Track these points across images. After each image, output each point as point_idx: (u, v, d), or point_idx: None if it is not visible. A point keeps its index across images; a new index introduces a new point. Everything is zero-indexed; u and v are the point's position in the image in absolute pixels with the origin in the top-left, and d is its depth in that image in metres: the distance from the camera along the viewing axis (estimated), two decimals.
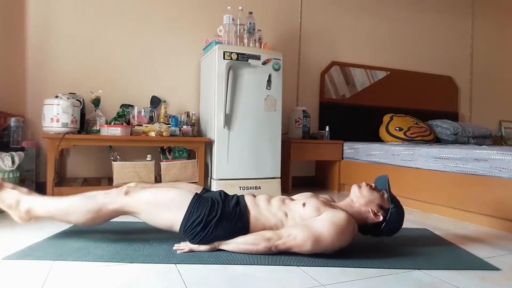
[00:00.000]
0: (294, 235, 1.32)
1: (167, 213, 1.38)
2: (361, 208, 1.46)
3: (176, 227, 1.37)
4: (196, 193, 1.44)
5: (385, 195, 1.48)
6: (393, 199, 1.47)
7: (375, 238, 1.61)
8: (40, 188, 2.43)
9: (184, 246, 1.40)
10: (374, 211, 1.44)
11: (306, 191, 1.68)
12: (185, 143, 2.54)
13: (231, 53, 2.53)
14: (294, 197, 1.60)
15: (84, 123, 2.48)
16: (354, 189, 1.51)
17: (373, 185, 1.52)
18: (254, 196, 1.53)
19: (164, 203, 1.39)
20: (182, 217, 1.36)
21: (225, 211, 1.39)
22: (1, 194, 1.42)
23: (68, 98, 2.25)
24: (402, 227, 1.95)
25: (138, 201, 1.39)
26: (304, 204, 1.43)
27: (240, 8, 2.70)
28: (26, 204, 1.41)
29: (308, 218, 1.38)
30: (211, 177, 2.62)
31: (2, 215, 1.97)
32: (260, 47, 2.76)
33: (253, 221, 1.40)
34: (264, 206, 1.45)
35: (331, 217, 1.33)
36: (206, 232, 1.35)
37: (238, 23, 2.68)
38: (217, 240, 1.39)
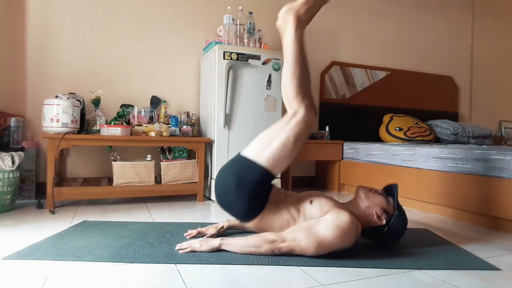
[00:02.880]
0: (299, 240, 1.32)
1: None
2: (365, 210, 1.46)
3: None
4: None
5: (391, 201, 1.49)
6: (399, 207, 1.47)
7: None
8: (40, 188, 2.44)
9: (186, 245, 1.41)
10: (378, 214, 1.43)
11: (306, 191, 1.67)
12: (185, 143, 2.54)
13: (231, 53, 2.53)
14: (302, 194, 1.60)
15: (84, 123, 2.48)
16: (361, 191, 1.51)
17: (379, 190, 1.53)
18: (276, 186, 1.55)
19: None
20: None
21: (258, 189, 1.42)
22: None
23: (68, 98, 2.25)
24: None
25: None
26: (311, 202, 1.44)
27: (240, 8, 2.70)
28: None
29: (313, 217, 1.39)
30: (211, 177, 2.63)
31: (2, 215, 1.97)
32: (260, 47, 2.76)
33: (267, 211, 1.43)
34: (283, 201, 1.48)
35: (335, 220, 1.33)
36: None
37: (238, 23, 2.68)
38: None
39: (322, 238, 1.31)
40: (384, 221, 1.43)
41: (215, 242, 1.40)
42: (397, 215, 1.43)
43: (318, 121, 3.57)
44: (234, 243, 1.38)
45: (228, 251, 1.39)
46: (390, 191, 1.55)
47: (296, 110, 1.44)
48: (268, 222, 1.44)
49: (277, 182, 2.70)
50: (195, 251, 1.38)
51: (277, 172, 1.44)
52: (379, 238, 1.48)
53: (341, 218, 1.33)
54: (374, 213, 1.44)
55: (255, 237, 1.37)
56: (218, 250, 1.39)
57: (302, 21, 1.52)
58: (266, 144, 1.43)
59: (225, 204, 1.46)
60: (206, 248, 1.38)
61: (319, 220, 1.36)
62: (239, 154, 1.49)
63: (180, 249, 1.40)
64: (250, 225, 1.51)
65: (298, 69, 1.47)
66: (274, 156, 1.40)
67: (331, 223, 1.32)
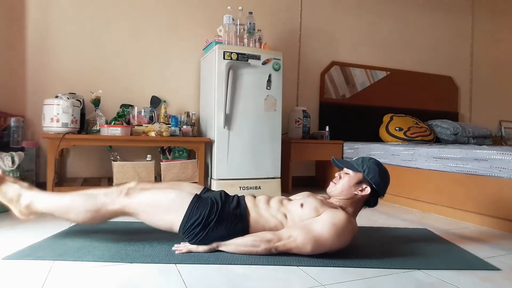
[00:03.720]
0: (295, 237, 1.32)
1: (166, 215, 1.38)
2: (349, 199, 1.45)
3: (176, 228, 1.37)
4: (196, 194, 1.44)
5: (350, 172, 1.47)
6: (358, 164, 1.47)
7: (375, 238, 1.60)
8: (40, 188, 2.43)
9: (183, 247, 1.40)
10: (359, 190, 1.43)
11: (306, 191, 1.68)
12: (185, 143, 2.54)
13: (231, 53, 2.53)
14: (292, 197, 1.60)
15: (84, 123, 2.48)
16: (331, 192, 1.50)
17: (336, 175, 1.52)
18: (254, 196, 1.53)
19: (163, 205, 1.39)
20: (182, 218, 1.35)
21: (225, 212, 1.38)
22: (2, 187, 1.42)
23: (68, 98, 2.25)
24: (402, 227, 1.96)
25: (138, 203, 1.39)
26: (302, 205, 1.43)
27: (240, 8, 2.70)
28: (27, 199, 1.41)
29: (307, 219, 1.38)
30: (211, 177, 2.62)
31: (2, 215, 1.97)
32: (260, 47, 2.76)
33: (253, 223, 1.40)
34: (264, 207, 1.45)
35: (331, 218, 1.33)
36: (205, 233, 1.35)
37: (238, 23, 2.68)
38: (217, 241, 1.39)
39: (318, 236, 1.31)
40: (368, 188, 1.42)
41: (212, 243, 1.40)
42: (368, 173, 1.43)
43: (318, 121, 3.57)
44: (231, 243, 1.38)
45: (226, 252, 1.39)
46: (338, 166, 1.55)
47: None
48: (262, 224, 1.42)
49: (277, 182, 2.70)
50: (192, 252, 1.38)
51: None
52: (379, 196, 1.47)
53: (337, 216, 1.34)
54: (356, 193, 1.43)
55: (252, 237, 1.37)
56: (216, 250, 1.39)
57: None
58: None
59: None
60: (203, 249, 1.38)
61: (315, 219, 1.36)
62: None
63: (176, 250, 1.39)
64: None
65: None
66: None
67: (327, 221, 1.32)
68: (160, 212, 1.38)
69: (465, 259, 1.43)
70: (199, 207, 1.37)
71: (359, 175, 1.45)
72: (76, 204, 1.39)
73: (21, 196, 1.42)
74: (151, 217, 1.39)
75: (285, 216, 1.42)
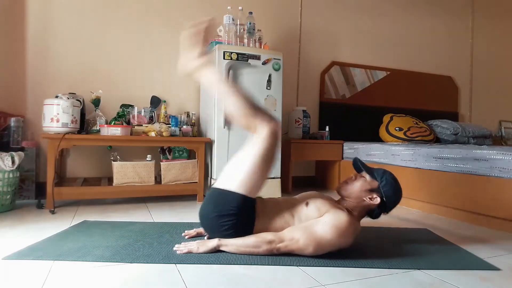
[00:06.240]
0: (297, 239, 1.32)
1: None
2: (356, 203, 1.45)
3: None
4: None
5: (368, 177, 1.46)
6: (378, 173, 1.46)
7: (375, 238, 1.60)
8: (40, 188, 2.44)
9: (183, 247, 1.40)
10: (369, 198, 1.42)
11: (306, 191, 1.67)
12: (185, 143, 2.54)
13: (231, 53, 2.53)
14: (297, 196, 1.59)
15: (84, 123, 2.48)
16: (341, 191, 1.49)
17: (352, 176, 1.51)
18: (262, 198, 1.53)
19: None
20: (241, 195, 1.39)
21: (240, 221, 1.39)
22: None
23: (68, 98, 2.25)
24: (402, 227, 1.96)
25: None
26: (307, 204, 1.43)
27: (240, 8, 2.70)
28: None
29: (311, 218, 1.38)
30: (211, 177, 2.63)
31: (2, 215, 1.97)
32: (260, 47, 2.76)
33: (260, 223, 1.41)
34: (272, 210, 1.45)
35: (333, 220, 1.33)
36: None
37: (238, 23, 2.68)
38: (220, 236, 1.40)
39: (320, 238, 1.31)
40: (378, 199, 1.41)
41: (213, 243, 1.39)
42: (384, 185, 1.42)
43: (318, 121, 3.57)
44: (232, 243, 1.38)
45: (227, 252, 1.39)
46: (358, 168, 1.54)
47: (257, 130, 1.42)
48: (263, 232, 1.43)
49: (277, 182, 2.70)
50: (192, 253, 1.38)
51: (254, 194, 1.42)
52: (386, 210, 1.46)
53: (339, 218, 1.33)
54: (365, 199, 1.43)
55: (254, 237, 1.37)
56: (216, 251, 1.39)
57: (203, 55, 1.50)
58: (237, 171, 1.41)
59: (216, 236, 1.43)
60: (203, 249, 1.38)
61: (317, 220, 1.36)
62: (212, 188, 1.48)
63: (177, 250, 1.40)
64: None
65: (232, 98, 1.43)
66: (247, 180, 1.38)
67: (329, 223, 1.32)
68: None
69: (465, 259, 1.43)
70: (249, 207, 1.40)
71: (375, 183, 1.44)
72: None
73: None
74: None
75: (293, 216, 1.43)
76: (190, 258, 1.33)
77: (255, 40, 2.73)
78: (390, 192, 1.42)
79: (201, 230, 1.62)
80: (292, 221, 1.42)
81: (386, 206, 1.43)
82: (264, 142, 1.40)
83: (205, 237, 1.57)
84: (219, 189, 1.43)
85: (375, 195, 1.42)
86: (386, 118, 3.64)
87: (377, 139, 3.61)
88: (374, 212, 1.46)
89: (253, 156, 1.39)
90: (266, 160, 1.40)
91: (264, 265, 1.29)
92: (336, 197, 1.55)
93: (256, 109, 1.44)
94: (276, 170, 2.70)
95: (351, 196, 1.45)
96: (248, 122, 1.44)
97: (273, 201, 1.51)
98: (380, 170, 1.48)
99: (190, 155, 2.75)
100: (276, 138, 1.42)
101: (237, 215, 1.37)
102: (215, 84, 1.50)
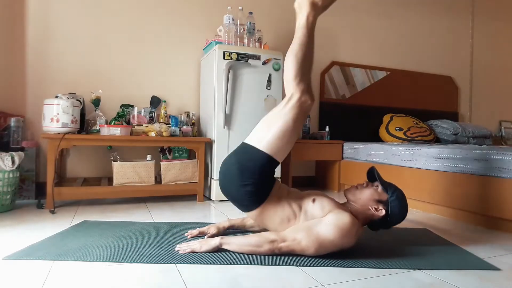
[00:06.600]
0: (299, 240, 1.32)
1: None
2: (362, 210, 1.44)
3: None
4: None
5: (379, 188, 1.46)
6: (390, 187, 1.46)
7: (374, 238, 1.60)
8: (40, 188, 2.44)
9: (186, 246, 1.41)
10: (374, 208, 1.42)
11: (308, 190, 1.67)
12: (185, 143, 2.54)
13: (231, 53, 2.53)
14: (304, 192, 1.59)
15: (84, 123, 2.48)
16: (348, 195, 1.49)
17: (364, 183, 1.51)
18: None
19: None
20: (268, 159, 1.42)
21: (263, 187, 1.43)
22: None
23: (68, 98, 2.25)
24: (403, 226, 1.95)
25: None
26: (313, 200, 1.44)
27: (240, 8, 2.70)
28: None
29: (315, 216, 1.39)
30: (211, 177, 2.62)
31: (2, 215, 1.97)
32: (260, 47, 2.76)
33: (272, 201, 1.43)
34: (284, 195, 1.48)
35: (335, 221, 1.33)
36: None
37: (238, 23, 2.68)
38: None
39: (322, 239, 1.31)
40: (383, 211, 1.41)
41: (215, 241, 1.40)
42: (393, 200, 1.42)
43: (318, 121, 3.57)
44: (234, 242, 1.38)
45: (228, 251, 1.39)
46: (372, 177, 1.54)
47: (292, 94, 1.45)
48: (269, 215, 1.43)
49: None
50: (195, 252, 1.38)
51: (279, 157, 1.45)
52: (387, 226, 1.46)
53: (342, 219, 1.33)
54: (371, 208, 1.43)
55: (256, 237, 1.37)
56: (219, 249, 1.39)
57: (317, 8, 1.58)
58: (267, 130, 1.44)
59: (229, 192, 1.47)
60: (206, 248, 1.38)
61: (320, 220, 1.36)
62: (243, 142, 1.51)
63: (179, 250, 1.40)
64: (251, 217, 1.49)
65: (301, 53, 1.49)
66: (275, 141, 1.41)
67: (331, 223, 1.32)
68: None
69: (465, 259, 1.43)
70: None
71: (384, 196, 1.44)
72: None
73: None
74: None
75: (300, 208, 1.44)
76: (190, 258, 1.33)
77: (255, 40, 2.73)
78: (397, 209, 1.42)
79: (203, 229, 1.62)
80: (299, 213, 1.43)
81: (389, 221, 1.43)
82: (293, 109, 1.43)
83: (205, 237, 1.57)
84: (247, 144, 1.47)
85: (381, 207, 1.42)
86: (386, 118, 3.64)
87: (377, 139, 3.61)
88: (375, 223, 1.46)
89: (283, 119, 1.42)
90: (295, 126, 1.43)
91: (264, 265, 1.29)
92: (337, 198, 1.55)
93: (305, 76, 1.47)
94: (276, 170, 2.69)
95: (358, 202, 1.45)
96: (290, 79, 1.46)
97: (287, 188, 1.54)
98: (392, 186, 1.48)
99: (190, 155, 2.75)
100: (304, 111, 1.45)
101: (257, 173, 1.40)
102: (302, 31, 1.57)
